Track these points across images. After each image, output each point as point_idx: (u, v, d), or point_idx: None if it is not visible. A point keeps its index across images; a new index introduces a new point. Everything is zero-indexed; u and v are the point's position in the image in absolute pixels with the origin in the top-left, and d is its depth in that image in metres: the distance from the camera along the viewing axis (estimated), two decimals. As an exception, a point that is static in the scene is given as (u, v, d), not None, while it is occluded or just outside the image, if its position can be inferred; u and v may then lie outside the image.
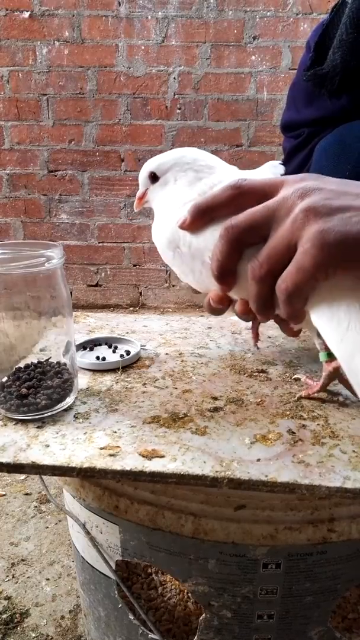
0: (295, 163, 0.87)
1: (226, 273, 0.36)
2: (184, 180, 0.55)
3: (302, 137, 0.83)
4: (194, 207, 0.39)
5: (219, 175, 0.54)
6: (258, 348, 0.62)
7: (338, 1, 0.71)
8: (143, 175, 0.59)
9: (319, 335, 0.50)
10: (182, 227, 0.41)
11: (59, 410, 0.46)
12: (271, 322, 0.73)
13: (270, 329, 0.71)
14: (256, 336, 0.60)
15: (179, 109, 2.15)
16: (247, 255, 0.35)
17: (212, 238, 0.40)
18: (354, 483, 0.36)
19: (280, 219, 0.32)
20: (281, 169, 0.58)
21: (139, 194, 0.61)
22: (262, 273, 0.32)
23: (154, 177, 0.58)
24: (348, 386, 0.49)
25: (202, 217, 0.39)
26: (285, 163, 0.91)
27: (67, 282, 0.48)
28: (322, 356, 0.50)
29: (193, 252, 0.50)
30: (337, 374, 0.49)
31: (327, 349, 0.50)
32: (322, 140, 0.76)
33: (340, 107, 0.75)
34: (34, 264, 0.44)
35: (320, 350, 0.50)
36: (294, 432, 0.43)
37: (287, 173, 0.90)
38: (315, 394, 0.50)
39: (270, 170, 0.57)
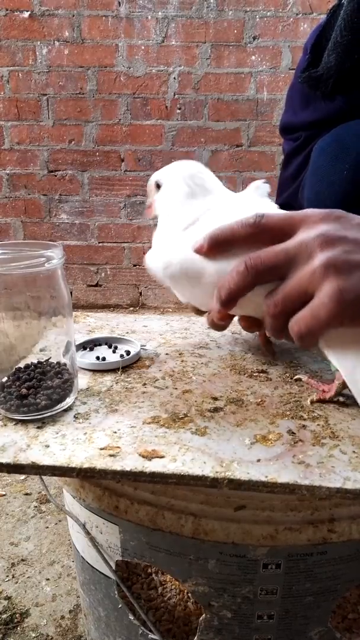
0: (294, 166, 0.87)
1: (233, 301, 0.38)
2: (178, 193, 0.57)
3: (300, 140, 0.84)
4: (212, 238, 0.41)
5: (212, 199, 0.56)
6: (275, 359, 0.61)
7: (335, 3, 0.71)
8: (150, 184, 0.62)
9: None
10: (198, 252, 0.42)
11: (59, 410, 0.46)
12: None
13: (270, 329, 0.71)
14: (272, 352, 0.60)
15: (179, 109, 2.15)
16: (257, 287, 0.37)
17: (221, 267, 0.42)
18: (354, 484, 0.36)
19: (298, 265, 0.33)
20: (266, 188, 0.58)
21: (148, 202, 0.64)
22: (276, 312, 0.35)
23: (158, 186, 0.61)
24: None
25: (217, 247, 0.41)
26: (284, 165, 0.91)
27: (67, 282, 0.48)
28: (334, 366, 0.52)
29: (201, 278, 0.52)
30: None
31: None
32: (320, 140, 0.76)
33: (336, 109, 0.75)
34: (34, 264, 0.44)
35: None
36: (294, 433, 0.43)
37: (286, 175, 0.90)
38: (328, 398, 0.50)
39: (256, 192, 0.58)
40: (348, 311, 0.31)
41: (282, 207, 0.90)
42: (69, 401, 0.47)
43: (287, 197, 0.87)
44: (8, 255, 0.45)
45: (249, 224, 0.37)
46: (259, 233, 0.37)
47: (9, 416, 0.45)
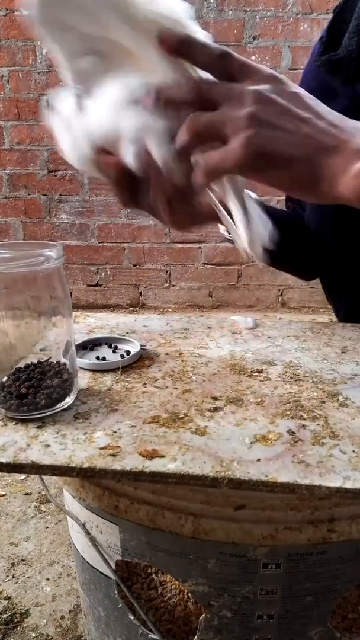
0: None
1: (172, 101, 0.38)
2: None
3: None
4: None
5: None
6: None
7: None
8: None
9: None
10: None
11: (58, 409, 0.46)
12: (270, 323, 0.73)
13: (270, 329, 0.71)
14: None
15: (179, 109, 2.15)
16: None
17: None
18: (353, 483, 0.36)
19: (230, 105, 0.36)
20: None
21: None
22: (191, 129, 0.36)
23: None
24: None
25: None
26: None
27: (67, 282, 0.48)
28: None
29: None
30: None
31: None
32: None
33: (343, 108, 0.74)
34: (33, 263, 0.44)
35: None
36: (294, 432, 0.43)
37: None
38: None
39: None
40: (250, 163, 0.34)
41: (287, 206, 0.90)
42: (68, 400, 0.47)
43: (295, 199, 0.87)
44: (8, 255, 0.45)
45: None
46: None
47: (9, 416, 0.45)
